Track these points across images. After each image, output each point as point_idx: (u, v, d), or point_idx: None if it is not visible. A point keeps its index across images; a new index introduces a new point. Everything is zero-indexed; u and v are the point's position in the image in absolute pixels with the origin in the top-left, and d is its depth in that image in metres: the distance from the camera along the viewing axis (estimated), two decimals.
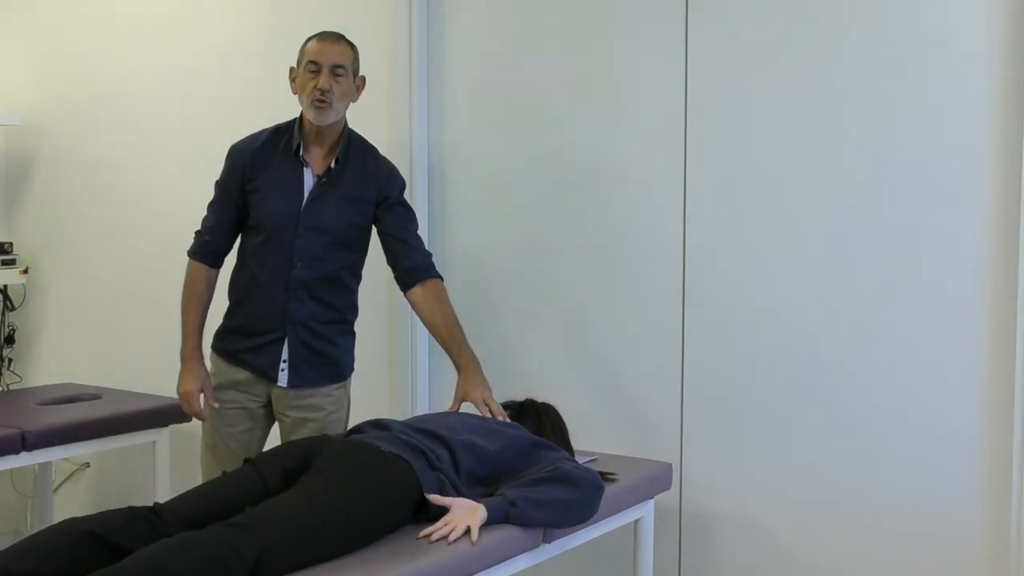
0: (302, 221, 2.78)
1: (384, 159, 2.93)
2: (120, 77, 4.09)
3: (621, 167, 3.06)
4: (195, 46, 3.87)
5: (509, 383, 3.14)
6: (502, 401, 2.80)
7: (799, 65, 2.78)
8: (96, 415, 3.41)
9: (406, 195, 2.94)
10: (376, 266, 2.95)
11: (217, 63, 3.81)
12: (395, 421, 2.47)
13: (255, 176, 2.82)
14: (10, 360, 4.42)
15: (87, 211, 4.21)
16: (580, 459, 2.72)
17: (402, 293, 2.89)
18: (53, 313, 4.36)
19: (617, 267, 3.08)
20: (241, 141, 2.89)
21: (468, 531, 2.14)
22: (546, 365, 3.21)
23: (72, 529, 2.03)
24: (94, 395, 3.73)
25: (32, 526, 4.20)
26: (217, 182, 2.90)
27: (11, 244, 4.34)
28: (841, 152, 2.73)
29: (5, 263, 4.27)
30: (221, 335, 2.92)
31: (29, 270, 4.35)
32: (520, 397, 2.81)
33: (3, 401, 3.67)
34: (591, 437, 3.02)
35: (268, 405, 2.89)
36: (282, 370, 2.82)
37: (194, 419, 2.93)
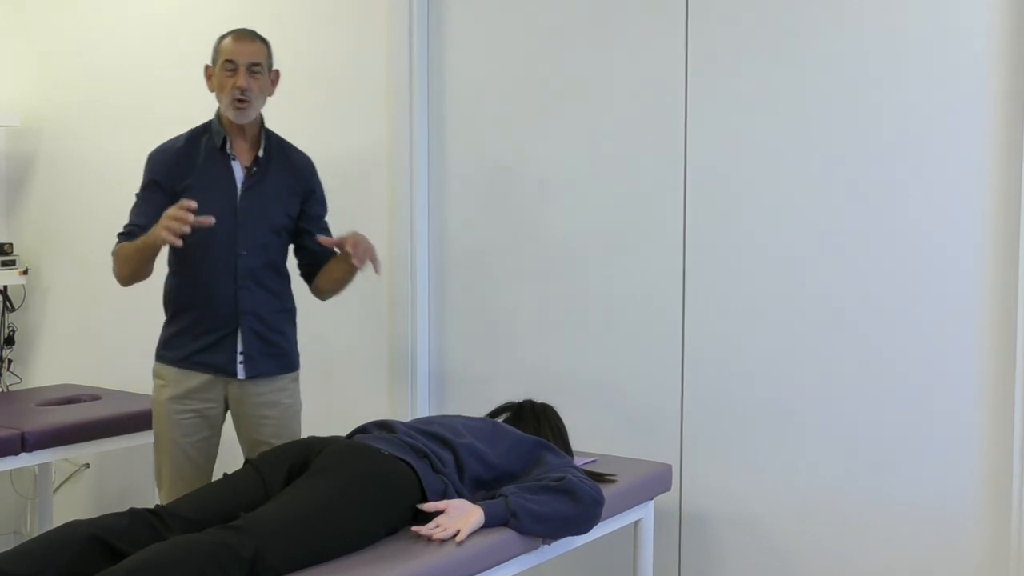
0: (239, 211, 2.81)
1: (302, 152, 2.98)
2: (120, 77, 4.09)
3: (621, 167, 3.06)
4: (195, 46, 3.86)
5: (508, 384, 3.15)
6: (501, 403, 2.81)
7: (799, 65, 2.78)
8: (96, 416, 3.41)
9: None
10: None
11: None
12: (400, 423, 2.48)
13: (184, 177, 2.83)
14: (10, 361, 4.42)
15: (87, 211, 4.21)
16: (579, 460, 2.72)
17: (311, 288, 2.98)
18: (53, 314, 4.36)
19: (617, 267, 3.08)
20: (160, 146, 2.92)
21: (457, 534, 2.14)
22: (545, 366, 3.21)
23: (74, 532, 2.03)
24: (94, 396, 3.73)
25: (32, 527, 4.20)
26: (140, 189, 2.89)
27: (11, 245, 4.33)
28: (842, 152, 2.73)
29: (5, 264, 4.27)
30: (166, 344, 2.89)
31: (29, 271, 4.35)
32: (519, 398, 2.82)
33: (3, 402, 3.67)
34: (591, 438, 3.02)
35: (225, 408, 2.89)
36: (240, 362, 2.83)
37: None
